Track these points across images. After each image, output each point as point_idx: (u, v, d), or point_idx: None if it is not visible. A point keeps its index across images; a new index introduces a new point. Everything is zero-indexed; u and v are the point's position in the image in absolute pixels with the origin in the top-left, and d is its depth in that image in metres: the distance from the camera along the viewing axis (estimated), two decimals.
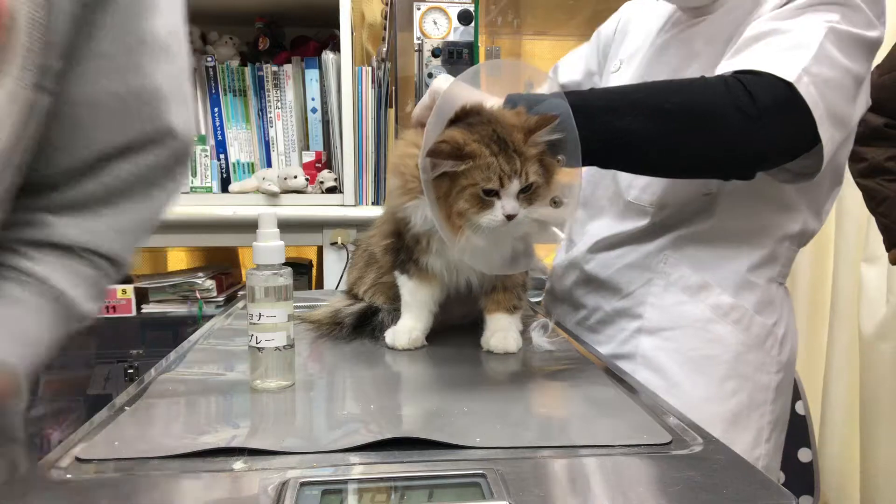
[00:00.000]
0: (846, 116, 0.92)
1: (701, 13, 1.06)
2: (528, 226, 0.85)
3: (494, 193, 0.81)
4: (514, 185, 0.81)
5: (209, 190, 1.94)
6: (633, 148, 0.89)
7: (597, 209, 1.15)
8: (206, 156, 1.93)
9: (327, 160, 2.03)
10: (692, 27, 1.07)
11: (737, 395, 1.01)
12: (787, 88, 0.86)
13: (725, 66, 0.91)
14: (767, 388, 1.03)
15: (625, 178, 1.09)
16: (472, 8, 1.93)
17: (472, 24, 1.93)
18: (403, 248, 0.98)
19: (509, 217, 0.81)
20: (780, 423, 1.06)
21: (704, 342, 1.02)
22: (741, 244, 1.03)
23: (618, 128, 0.86)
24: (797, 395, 1.78)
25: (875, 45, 0.94)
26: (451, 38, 1.93)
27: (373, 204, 1.95)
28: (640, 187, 1.07)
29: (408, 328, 0.97)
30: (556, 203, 0.86)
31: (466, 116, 0.84)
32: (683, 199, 1.04)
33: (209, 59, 2.00)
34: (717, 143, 0.89)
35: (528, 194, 0.82)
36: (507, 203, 0.81)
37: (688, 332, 1.03)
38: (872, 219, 1.85)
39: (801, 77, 0.86)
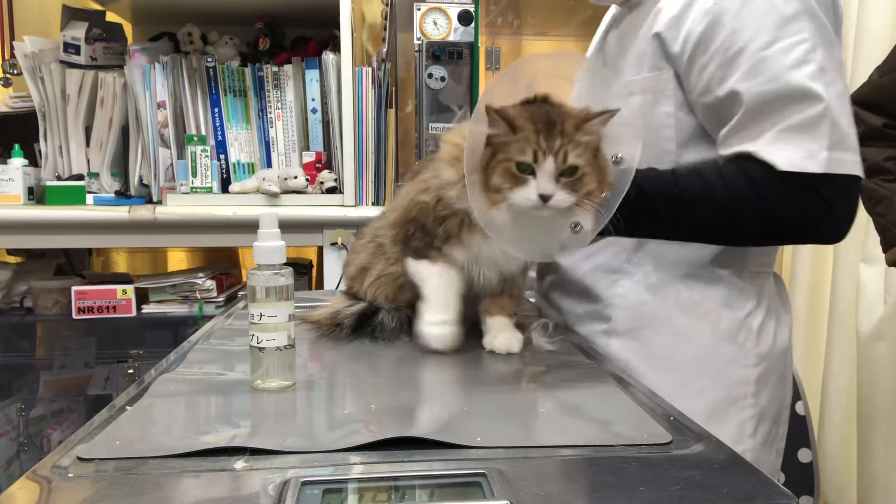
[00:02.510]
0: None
1: (630, 6, 1.06)
2: (565, 217, 0.84)
3: (531, 171, 0.80)
4: (549, 164, 0.80)
5: (209, 190, 1.94)
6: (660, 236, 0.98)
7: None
8: (207, 156, 1.93)
9: (327, 160, 2.03)
10: (622, 21, 1.08)
11: (710, 390, 0.99)
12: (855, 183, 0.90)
13: (761, 148, 0.89)
14: (746, 381, 1.00)
15: None
16: (472, 8, 1.93)
17: (472, 24, 1.93)
18: (418, 235, 0.96)
19: (543, 197, 0.79)
20: (769, 416, 1.03)
21: (671, 339, 1.01)
22: None
23: (647, 230, 0.94)
24: (797, 395, 1.78)
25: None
26: (451, 38, 1.93)
27: (373, 204, 1.95)
28: None
29: (440, 321, 0.94)
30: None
31: (533, 102, 0.84)
32: None
33: (209, 59, 2.00)
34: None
35: (571, 180, 0.81)
36: (542, 182, 0.80)
37: (655, 331, 1.02)
38: (871, 219, 1.86)
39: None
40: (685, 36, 0.93)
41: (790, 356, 1.08)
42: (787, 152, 0.87)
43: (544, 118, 0.81)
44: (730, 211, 0.91)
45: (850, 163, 0.88)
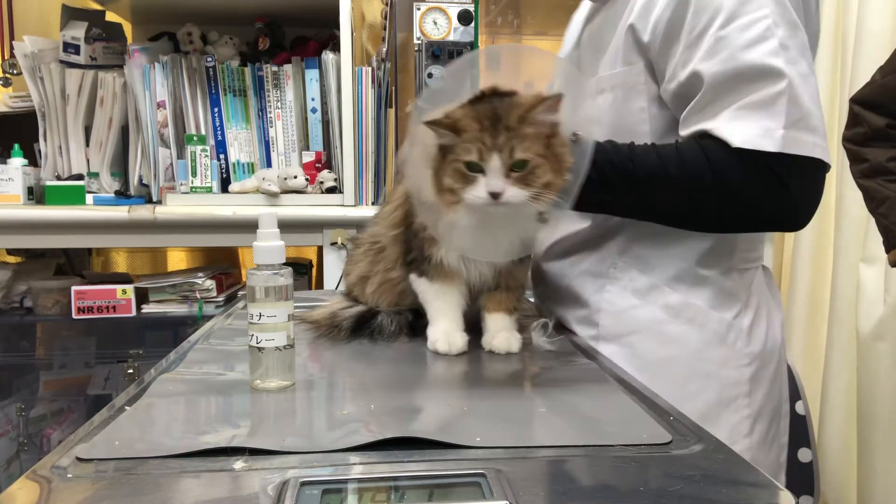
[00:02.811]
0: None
1: (602, 0, 1.05)
2: (528, 211, 0.83)
3: (480, 170, 0.80)
4: (496, 161, 0.79)
5: (209, 190, 1.94)
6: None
7: None
8: (206, 156, 1.93)
9: (327, 160, 2.03)
10: (595, 17, 1.07)
11: (702, 394, 0.98)
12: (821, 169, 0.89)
13: (723, 129, 0.87)
14: (739, 382, 0.99)
15: None
16: (472, 8, 1.93)
17: (472, 24, 1.93)
18: (414, 243, 0.96)
19: (494, 195, 0.79)
20: (765, 414, 1.02)
21: (660, 344, 0.99)
22: (685, 237, 0.99)
23: (600, 204, 0.93)
24: (797, 395, 1.77)
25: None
26: (451, 38, 1.93)
27: (373, 204, 1.95)
28: None
29: (445, 331, 0.96)
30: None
31: (488, 97, 0.83)
32: None
33: (209, 59, 2.00)
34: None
35: (523, 173, 0.80)
36: (491, 179, 0.79)
37: (643, 336, 1.00)
38: (871, 219, 1.86)
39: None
40: (654, 23, 0.93)
41: (783, 350, 1.06)
42: (743, 129, 0.86)
43: (489, 114, 0.80)
44: (686, 188, 0.90)
45: (810, 144, 0.86)
